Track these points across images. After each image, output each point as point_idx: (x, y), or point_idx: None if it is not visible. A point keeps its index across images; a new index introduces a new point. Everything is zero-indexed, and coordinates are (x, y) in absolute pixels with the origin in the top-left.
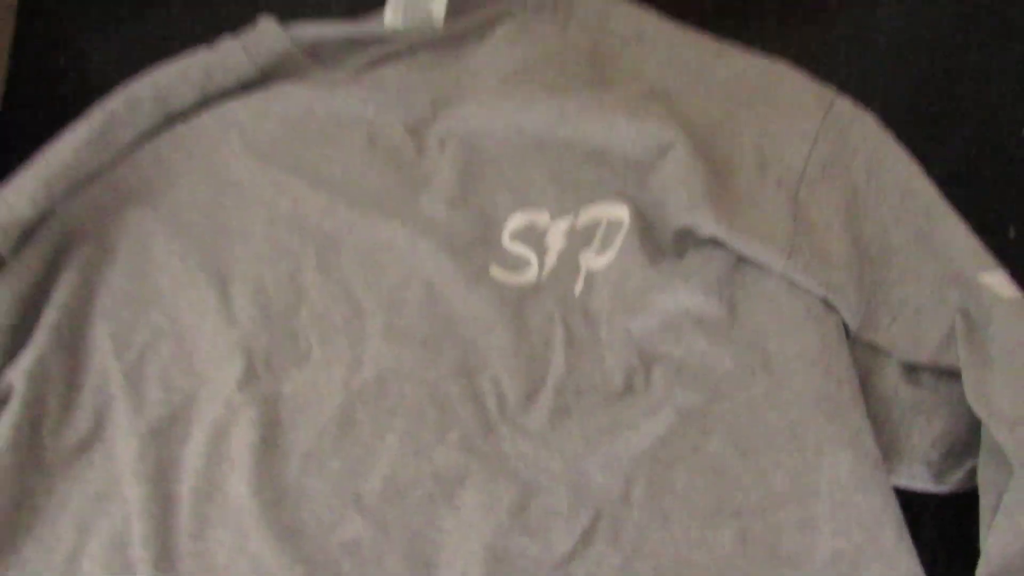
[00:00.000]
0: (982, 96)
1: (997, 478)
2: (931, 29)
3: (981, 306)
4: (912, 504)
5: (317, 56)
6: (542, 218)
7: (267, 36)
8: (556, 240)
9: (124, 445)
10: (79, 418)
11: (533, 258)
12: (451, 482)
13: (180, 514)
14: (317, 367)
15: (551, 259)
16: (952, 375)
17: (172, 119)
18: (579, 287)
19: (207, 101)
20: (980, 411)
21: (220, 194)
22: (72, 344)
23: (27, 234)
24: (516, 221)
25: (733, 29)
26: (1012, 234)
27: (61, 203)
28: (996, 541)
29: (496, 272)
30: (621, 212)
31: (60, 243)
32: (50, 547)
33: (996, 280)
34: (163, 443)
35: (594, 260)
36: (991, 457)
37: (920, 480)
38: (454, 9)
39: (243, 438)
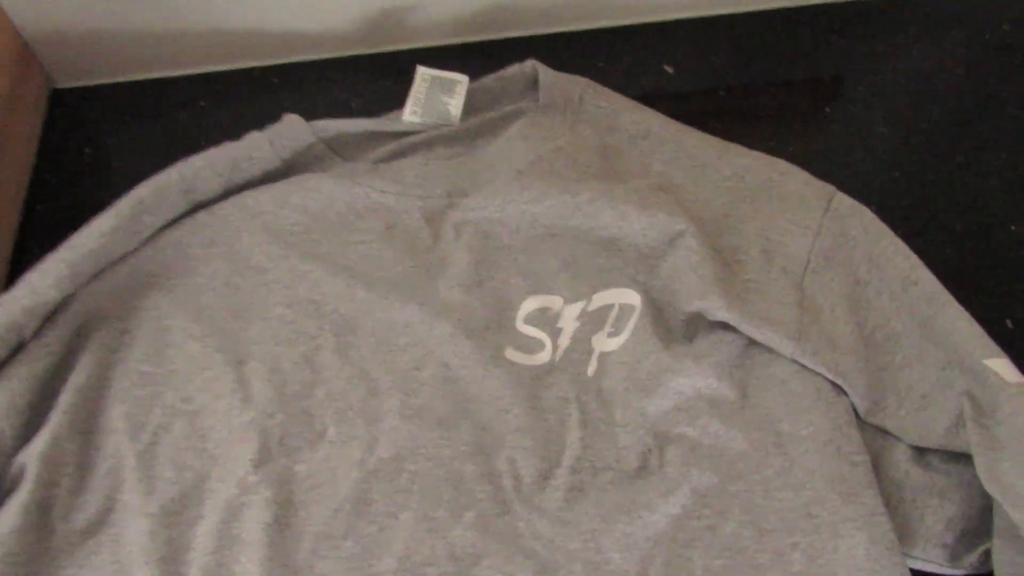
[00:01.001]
0: (972, 194)
1: (1014, 559)
2: (922, 133)
3: (988, 391)
4: None
5: (339, 150)
6: (555, 302)
7: (292, 130)
8: (569, 323)
9: (134, 526)
10: (89, 501)
11: (547, 340)
12: (467, 562)
13: None
14: (332, 447)
15: (564, 341)
16: (962, 458)
17: (195, 208)
18: (592, 368)
19: (229, 191)
20: (995, 492)
21: (239, 279)
22: (87, 427)
23: (48, 315)
24: (530, 305)
25: (733, 132)
26: (1010, 326)
27: (82, 286)
28: None
29: (511, 354)
30: (633, 298)
31: (80, 326)
32: None
33: (1001, 366)
34: (174, 524)
35: (607, 342)
36: (1005, 539)
37: (935, 562)
38: (469, 108)
39: (256, 518)
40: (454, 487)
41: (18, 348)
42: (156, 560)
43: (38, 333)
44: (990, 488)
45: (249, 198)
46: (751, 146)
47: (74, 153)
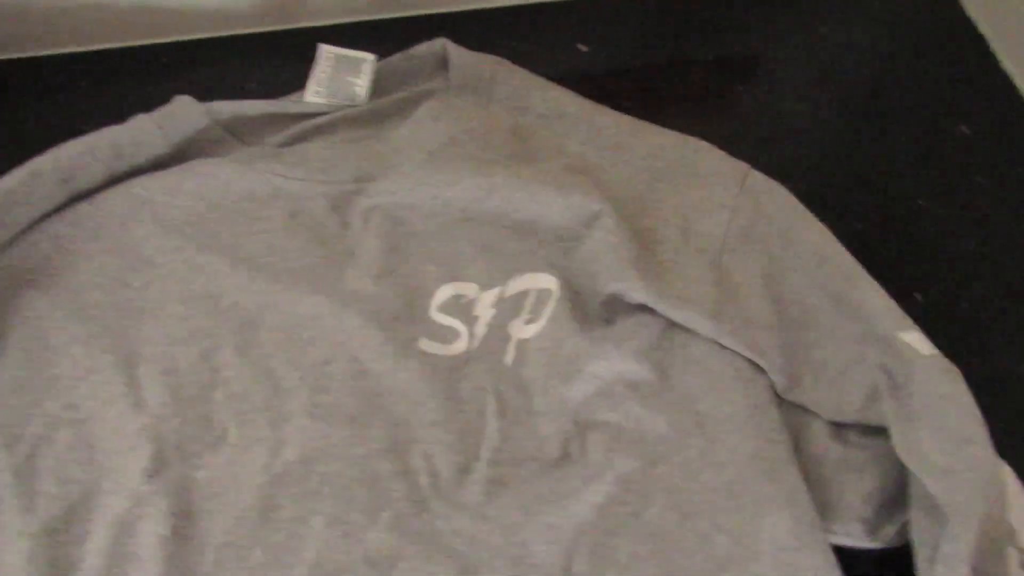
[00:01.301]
0: (881, 170)
1: (931, 529)
2: (833, 110)
3: (902, 363)
4: (851, 563)
5: (237, 134)
6: (470, 289)
7: (184, 112)
8: (485, 311)
9: (13, 548)
10: None
11: (463, 329)
12: (384, 566)
13: None
14: (234, 451)
15: (480, 329)
16: (879, 432)
17: (76, 197)
18: (511, 356)
19: (114, 179)
20: (911, 464)
21: (128, 273)
22: None
23: None
24: (444, 293)
25: (647, 111)
26: (919, 299)
27: None
28: None
29: (425, 345)
30: (550, 282)
31: None
32: None
33: (914, 338)
34: (58, 543)
35: (524, 329)
36: (923, 511)
37: (855, 537)
38: (377, 88)
39: (151, 531)
40: (368, 487)
41: None
42: None
43: None
44: (906, 460)
45: (137, 186)
46: (665, 125)
47: None
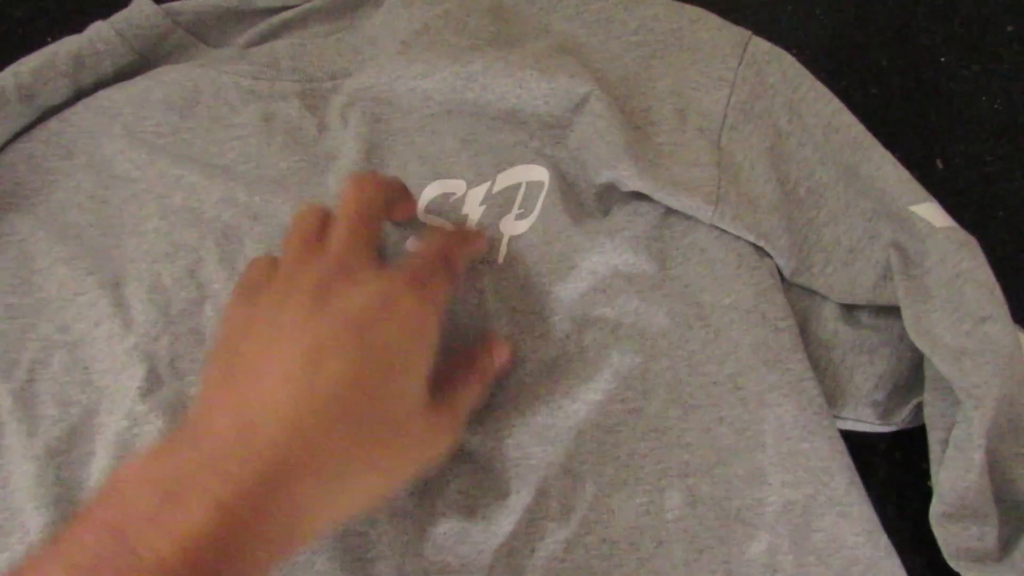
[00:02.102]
0: (897, 26)
1: (944, 412)
2: None
3: (915, 238)
4: (862, 448)
5: (202, 36)
6: (458, 186)
7: (141, 15)
8: (474, 208)
9: (20, 471)
10: None
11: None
12: None
13: None
14: None
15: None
16: (891, 312)
17: (44, 115)
18: (503, 254)
19: (81, 93)
20: (923, 345)
21: (106, 191)
22: None
23: None
24: (430, 192)
25: None
26: (940, 165)
27: None
28: (948, 476)
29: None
30: (540, 174)
31: None
32: None
33: (928, 211)
34: (63, 464)
35: (516, 225)
36: (936, 392)
37: (866, 421)
38: None
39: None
40: None
41: None
42: (47, 504)
43: None
44: (918, 341)
45: (104, 99)
46: None
47: None
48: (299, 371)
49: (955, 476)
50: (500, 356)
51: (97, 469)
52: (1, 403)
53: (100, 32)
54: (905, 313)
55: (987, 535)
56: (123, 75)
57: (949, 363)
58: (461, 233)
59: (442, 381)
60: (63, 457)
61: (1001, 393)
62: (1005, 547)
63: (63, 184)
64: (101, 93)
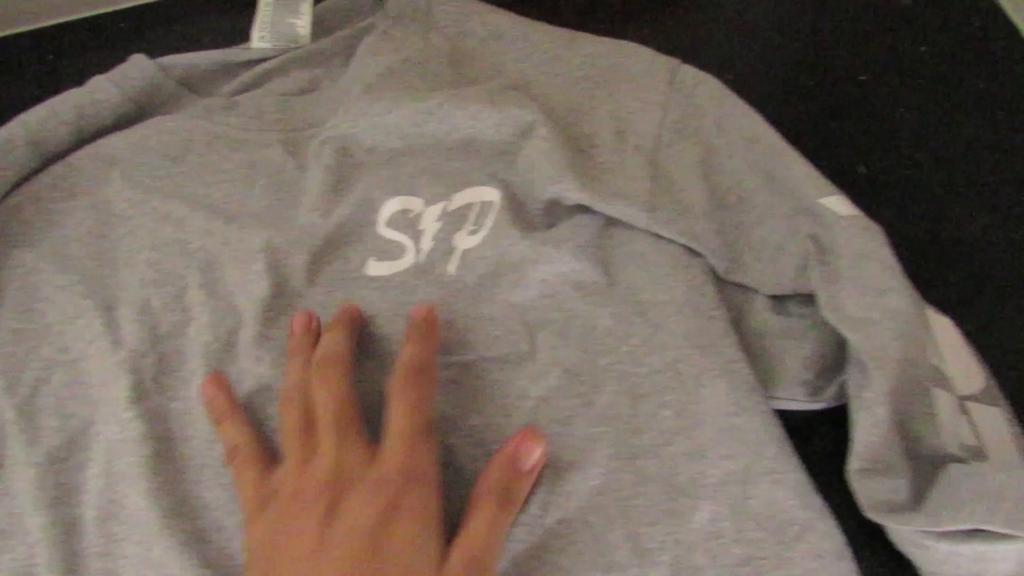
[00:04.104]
0: (820, 51)
1: (860, 381)
2: (768, 3)
3: (826, 227)
4: (803, 423)
5: (192, 87)
6: (416, 204)
7: (137, 70)
8: (430, 224)
9: (21, 477)
10: None
11: (409, 244)
12: None
13: (85, 536)
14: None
15: (426, 243)
16: (815, 301)
17: (48, 160)
18: (455, 266)
19: (83, 140)
20: (834, 320)
21: (104, 227)
22: None
23: None
24: (391, 207)
25: (584, 24)
26: (863, 170)
27: None
28: (860, 434)
29: (373, 268)
30: (492, 195)
31: None
32: None
33: (835, 202)
34: (62, 470)
35: (468, 240)
36: (856, 365)
37: (798, 400)
38: (322, 30)
39: (136, 452)
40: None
41: None
42: (46, 506)
43: None
44: (829, 317)
45: (104, 146)
46: (600, 33)
47: None
48: None
49: (865, 433)
50: (531, 455)
51: (93, 474)
52: (5, 416)
53: (98, 85)
54: (819, 295)
55: (900, 488)
56: (121, 124)
57: (855, 333)
58: (423, 369)
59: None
60: (62, 464)
61: (902, 356)
62: (919, 498)
63: (65, 222)
64: (102, 141)
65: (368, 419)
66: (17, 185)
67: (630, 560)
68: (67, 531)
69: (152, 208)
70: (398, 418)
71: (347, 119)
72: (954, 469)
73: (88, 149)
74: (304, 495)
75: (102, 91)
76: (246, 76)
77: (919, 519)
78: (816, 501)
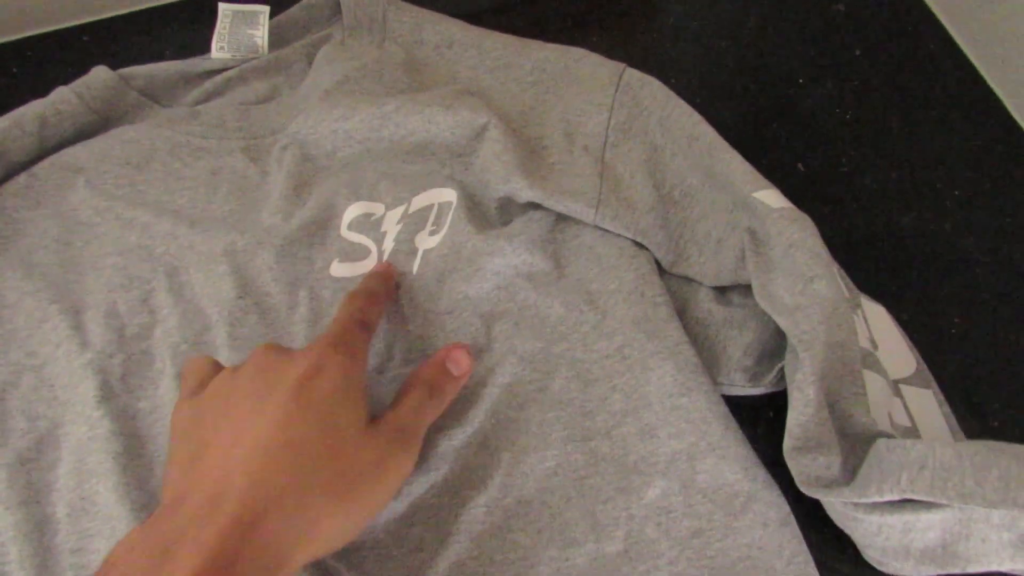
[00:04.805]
0: (761, 56)
1: (795, 366)
2: (712, 5)
3: (759, 220)
4: (747, 409)
5: (154, 97)
6: (377, 208)
7: (99, 80)
8: (392, 227)
9: None
10: None
11: (372, 246)
12: None
13: (58, 533)
14: (172, 382)
15: (389, 244)
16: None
17: (12, 170)
18: (416, 266)
19: (46, 150)
20: (766, 307)
21: (69, 234)
22: None
23: None
24: (353, 212)
25: (532, 31)
26: (801, 168)
27: None
28: (793, 415)
29: (336, 269)
30: (450, 195)
31: None
32: None
33: (768, 196)
34: (32, 469)
35: (428, 240)
36: (792, 351)
37: (739, 386)
38: (281, 41)
39: (104, 450)
40: None
41: None
42: (17, 504)
43: None
44: (763, 303)
45: (68, 156)
46: (552, 42)
47: None
48: (250, 432)
49: (797, 413)
50: (459, 364)
51: (63, 472)
52: None
53: (61, 95)
54: (754, 283)
55: (833, 464)
56: (83, 134)
57: (786, 318)
58: (370, 292)
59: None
60: (32, 464)
61: (829, 339)
62: (851, 474)
63: (30, 231)
64: (65, 150)
65: None
66: None
67: (587, 536)
68: (39, 528)
69: (116, 215)
70: (337, 315)
71: (306, 124)
72: (881, 444)
73: (52, 159)
74: (240, 371)
75: (65, 101)
76: (207, 85)
77: (848, 492)
78: (760, 473)
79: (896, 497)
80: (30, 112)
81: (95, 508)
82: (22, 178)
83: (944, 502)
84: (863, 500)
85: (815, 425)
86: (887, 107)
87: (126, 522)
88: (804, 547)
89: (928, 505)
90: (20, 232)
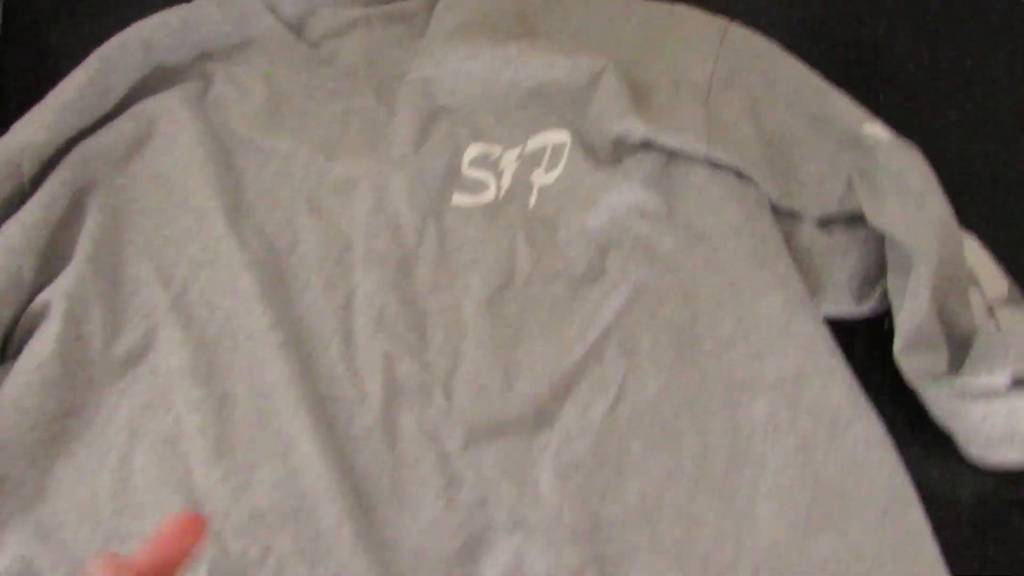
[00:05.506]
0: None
1: (902, 283)
2: None
3: (867, 152)
4: (847, 335)
5: (282, 19)
6: (495, 149)
7: None
8: (509, 165)
9: (175, 357)
10: (126, 338)
11: (491, 181)
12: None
13: (237, 408)
14: (317, 295)
15: (506, 181)
16: (858, 221)
17: (156, 69)
18: (533, 200)
19: (191, 54)
20: (880, 224)
21: (227, 145)
22: (113, 276)
23: (46, 167)
24: (473, 151)
25: None
26: (883, 99)
27: (75, 150)
28: (906, 316)
29: (458, 199)
30: (564, 136)
31: (82, 182)
32: (103, 450)
33: (875, 129)
34: (214, 353)
35: (544, 177)
36: (896, 272)
37: (846, 307)
38: None
39: (271, 341)
40: (419, 320)
41: (19, 192)
42: (200, 383)
43: (43, 183)
44: (876, 224)
45: (219, 95)
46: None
47: (29, 54)
48: None
49: (910, 315)
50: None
51: (241, 357)
52: (159, 305)
53: (204, 4)
54: (865, 207)
55: (939, 362)
56: (221, 40)
57: (902, 233)
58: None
59: None
60: (214, 348)
61: (942, 250)
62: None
63: (190, 137)
64: (216, 89)
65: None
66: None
67: (695, 445)
68: (220, 403)
69: (258, 146)
70: None
71: (431, 63)
72: (985, 334)
73: (204, 98)
74: None
75: (206, 10)
76: (334, 22)
77: (958, 379)
78: (861, 396)
79: (1004, 374)
80: (176, 14)
81: (271, 392)
82: (176, 101)
83: None
84: (973, 383)
85: (927, 326)
86: (962, 49)
87: (296, 405)
88: (900, 464)
89: None
90: (181, 133)
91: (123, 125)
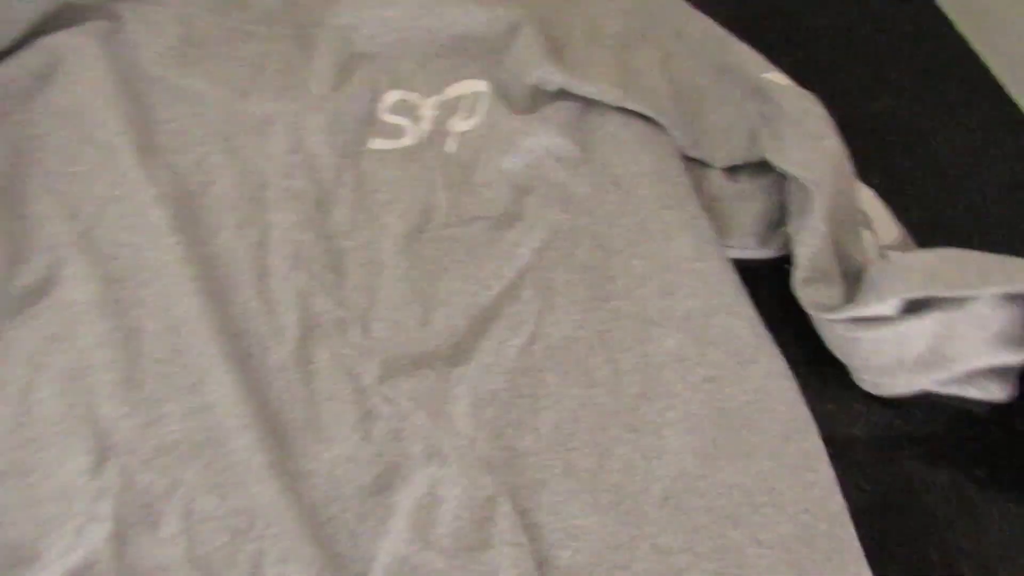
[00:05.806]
0: None
1: (801, 222)
2: None
3: (768, 98)
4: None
5: None
6: (414, 96)
7: None
8: (427, 112)
9: (80, 291)
10: (28, 271)
11: (409, 127)
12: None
13: (146, 342)
14: (230, 235)
15: (425, 127)
16: (763, 168)
17: (71, 12)
18: (451, 145)
19: None
20: (780, 163)
21: (137, 82)
22: (13, 210)
23: None
24: (391, 97)
25: None
26: (789, 61)
27: None
28: (803, 249)
29: (375, 143)
30: (482, 86)
31: None
32: (3, 382)
33: (775, 76)
34: (122, 287)
35: (462, 124)
36: (795, 215)
37: (751, 248)
38: None
39: (183, 273)
40: (335, 258)
41: None
42: (109, 316)
43: None
44: (777, 163)
45: (131, 33)
46: None
47: None
48: None
49: (808, 247)
50: None
51: (151, 292)
52: (64, 240)
53: None
54: (768, 150)
55: (834, 295)
56: None
57: (800, 169)
58: None
59: None
60: (122, 283)
61: (836, 185)
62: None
63: (102, 68)
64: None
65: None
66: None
67: (608, 378)
68: (128, 337)
69: (168, 85)
70: None
71: (349, 10)
72: (875, 265)
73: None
74: None
75: None
76: None
77: (851, 308)
78: (764, 331)
79: (893, 301)
80: None
81: (181, 326)
82: (89, 38)
83: (934, 294)
84: (865, 311)
85: (823, 257)
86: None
87: (207, 339)
88: (800, 395)
89: (918, 313)
90: (92, 67)
91: (27, 58)
